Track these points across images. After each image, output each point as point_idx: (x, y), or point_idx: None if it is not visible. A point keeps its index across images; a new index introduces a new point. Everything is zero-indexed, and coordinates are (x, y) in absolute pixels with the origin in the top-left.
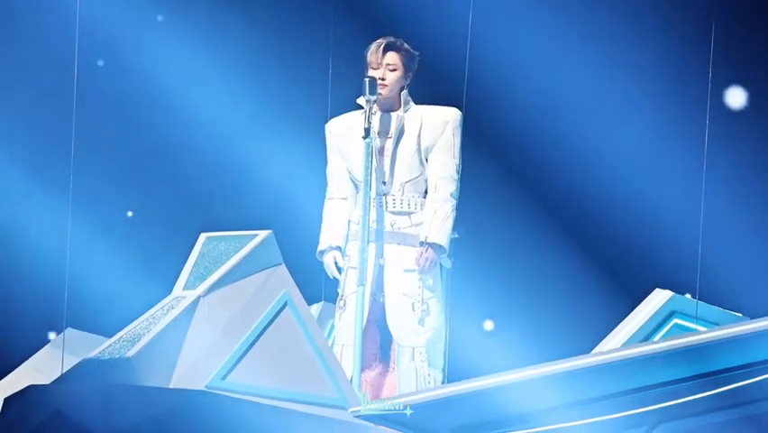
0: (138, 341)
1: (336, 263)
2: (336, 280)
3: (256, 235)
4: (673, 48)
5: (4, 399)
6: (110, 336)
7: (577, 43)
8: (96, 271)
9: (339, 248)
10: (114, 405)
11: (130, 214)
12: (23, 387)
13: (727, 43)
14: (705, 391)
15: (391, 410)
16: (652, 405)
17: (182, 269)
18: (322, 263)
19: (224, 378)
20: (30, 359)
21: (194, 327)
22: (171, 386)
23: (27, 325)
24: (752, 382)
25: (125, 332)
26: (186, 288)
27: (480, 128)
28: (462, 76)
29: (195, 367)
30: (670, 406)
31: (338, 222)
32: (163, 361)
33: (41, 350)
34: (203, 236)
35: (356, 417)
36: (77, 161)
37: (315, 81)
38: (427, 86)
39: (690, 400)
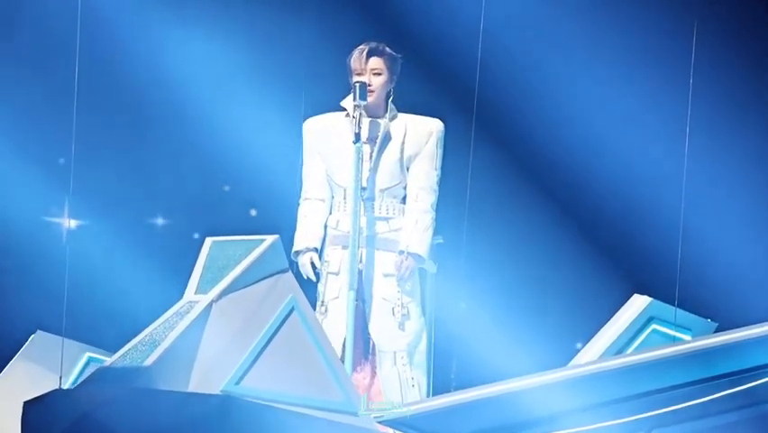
0: (157, 346)
1: (313, 265)
2: (312, 284)
3: (263, 240)
4: (661, 50)
5: (25, 402)
6: (104, 339)
7: (566, 49)
8: (95, 274)
9: (316, 249)
10: (142, 409)
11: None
12: (46, 391)
13: (711, 42)
14: (698, 398)
15: (400, 418)
16: (646, 412)
17: (174, 272)
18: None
19: (237, 383)
20: (7, 367)
21: (208, 332)
22: (190, 390)
23: (23, 329)
24: (743, 389)
25: (142, 337)
26: (197, 292)
27: (468, 131)
28: (462, 80)
29: (209, 372)
30: (664, 412)
31: (315, 223)
32: (182, 366)
33: (16, 357)
34: (209, 240)
35: (379, 422)
36: (78, 161)
37: (330, 85)
38: (436, 88)
39: (683, 407)
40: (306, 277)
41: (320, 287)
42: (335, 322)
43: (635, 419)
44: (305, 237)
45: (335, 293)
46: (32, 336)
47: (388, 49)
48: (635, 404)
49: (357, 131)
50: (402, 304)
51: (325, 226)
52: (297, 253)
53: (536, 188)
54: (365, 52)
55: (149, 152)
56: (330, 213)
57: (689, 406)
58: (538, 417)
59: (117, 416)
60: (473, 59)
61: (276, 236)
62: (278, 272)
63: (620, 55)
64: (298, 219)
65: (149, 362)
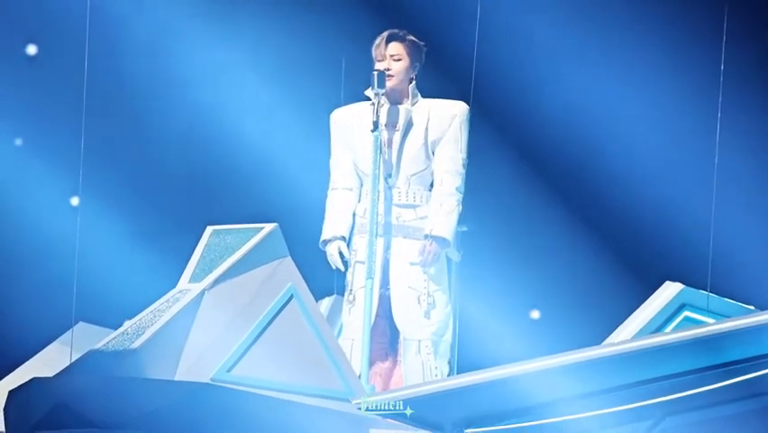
0: (143, 334)
1: (341, 254)
2: (342, 272)
3: (262, 228)
4: (685, 39)
5: (9, 391)
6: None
7: (588, 35)
8: (107, 265)
9: (343, 238)
10: (118, 397)
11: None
12: (27, 380)
13: (740, 35)
14: (711, 384)
15: (391, 406)
16: (659, 397)
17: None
18: (325, 254)
19: (229, 370)
20: (39, 353)
21: (199, 319)
22: (176, 378)
23: (36, 318)
24: (757, 376)
25: (130, 325)
26: (191, 280)
27: (492, 118)
28: (471, 68)
29: (200, 360)
30: (677, 398)
31: (342, 212)
32: (168, 353)
33: (52, 344)
34: (209, 229)
35: (359, 409)
36: (87, 153)
37: (325, 73)
38: (435, 77)
39: (696, 393)
40: (333, 267)
41: (348, 276)
42: (362, 311)
43: (647, 405)
44: (332, 227)
45: (363, 282)
46: (72, 327)
47: (410, 36)
48: (646, 390)
49: (375, 119)
50: (428, 293)
51: (354, 215)
52: (325, 242)
53: (567, 178)
54: (385, 38)
55: (158, 141)
56: (359, 201)
57: (702, 393)
58: (531, 404)
59: (92, 405)
60: (493, 56)
61: (275, 224)
62: (277, 260)
63: (652, 42)
64: (326, 209)
65: (133, 348)
